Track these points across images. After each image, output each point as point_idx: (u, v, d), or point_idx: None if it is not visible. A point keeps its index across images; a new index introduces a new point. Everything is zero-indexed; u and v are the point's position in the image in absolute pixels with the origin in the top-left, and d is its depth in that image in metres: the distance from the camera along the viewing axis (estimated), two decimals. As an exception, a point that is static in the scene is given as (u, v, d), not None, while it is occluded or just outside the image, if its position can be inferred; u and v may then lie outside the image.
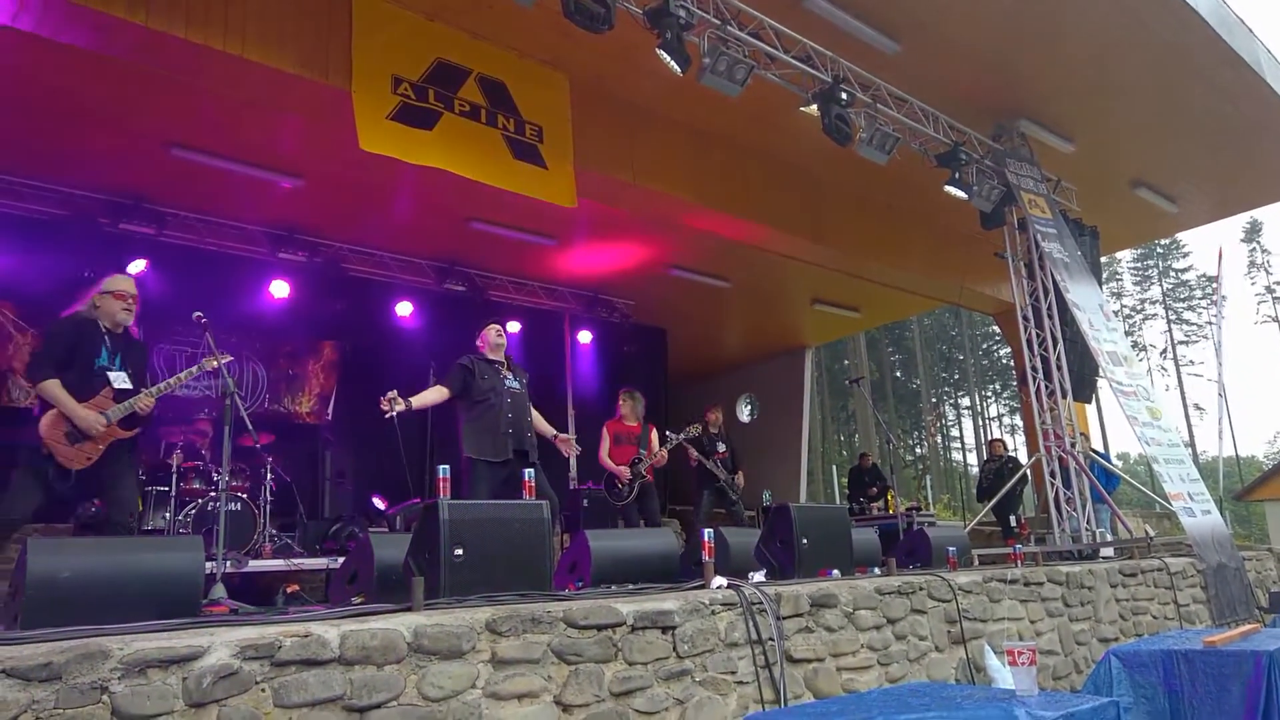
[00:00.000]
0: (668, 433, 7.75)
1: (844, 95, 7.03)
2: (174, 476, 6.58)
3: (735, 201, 8.87)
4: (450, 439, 5.61)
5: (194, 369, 4.70)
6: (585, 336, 11.65)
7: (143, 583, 2.83)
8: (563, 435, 5.84)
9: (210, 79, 6.01)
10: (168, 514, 6.52)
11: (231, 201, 8.40)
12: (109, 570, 2.82)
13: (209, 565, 3.62)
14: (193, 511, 6.58)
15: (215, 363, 4.76)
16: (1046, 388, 8.87)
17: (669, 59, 5.99)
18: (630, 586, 4.09)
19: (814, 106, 7.03)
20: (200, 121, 6.99)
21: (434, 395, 5.26)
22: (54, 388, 4.19)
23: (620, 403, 7.67)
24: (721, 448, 8.36)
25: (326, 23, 6.04)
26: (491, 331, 5.52)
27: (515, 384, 5.46)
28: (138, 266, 8.09)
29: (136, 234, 8.24)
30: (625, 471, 7.28)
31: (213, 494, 6.51)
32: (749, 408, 15.73)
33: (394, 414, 4.82)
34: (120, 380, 4.37)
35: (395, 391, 4.88)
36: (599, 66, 7.18)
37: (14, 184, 7.71)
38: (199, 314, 4.64)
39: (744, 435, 13.19)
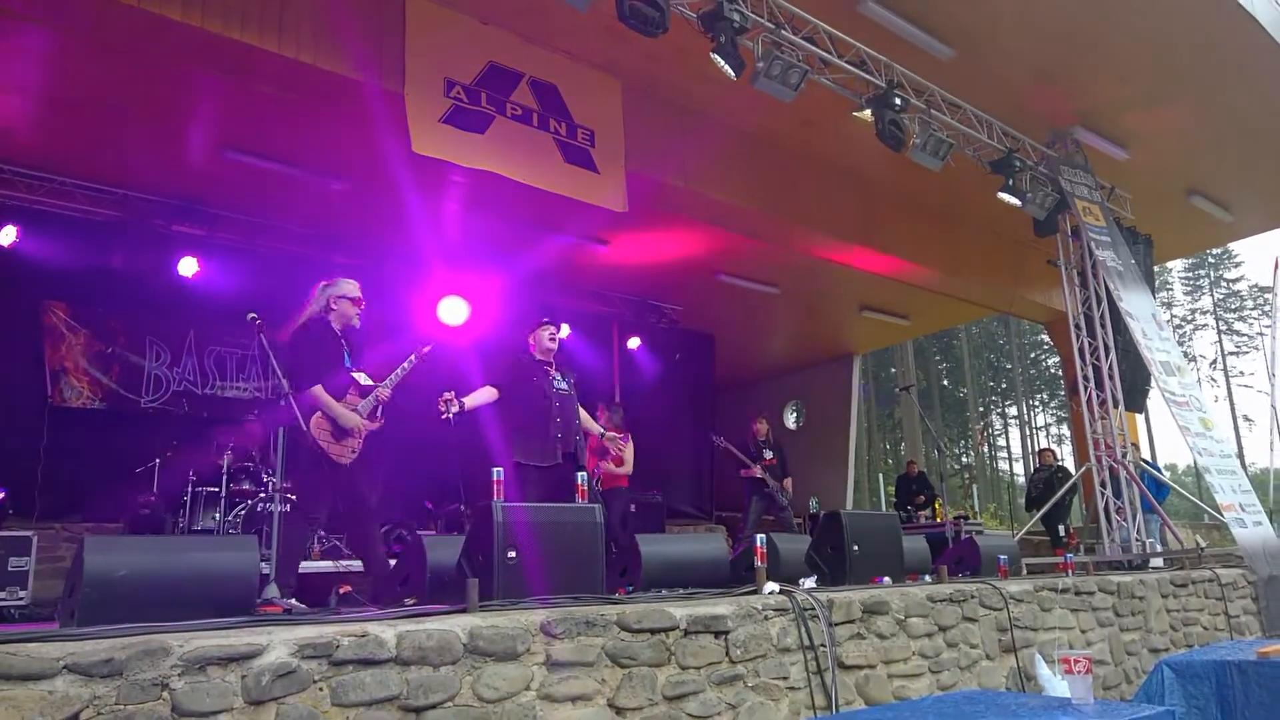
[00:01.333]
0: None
1: (898, 100, 6.95)
2: (224, 477, 6.65)
3: (787, 207, 8.81)
4: (500, 441, 5.59)
5: (413, 357, 4.86)
6: (634, 342, 11.63)
7: (198, 581, 2.84)
8: (609, 433, 5.81)
9: (264, 81, 6.10)
10: (217, 514, 6.59)
11: (284, 203, 8.52)
12: (165, 569, 2.82)
13: (261, 565, 3.63)
14: (243, 512, 6.64)
15: (426, 349, 4.94)
16: (1098, 397, 8.72)
17: (723, 63, 5.96)
18: (681, 591, 4.05)
19: (867, 112, 6.96)
20: (253, 123, 7.10)
21: (486, 395, 5.23)
22: (320, 393, 4.47)
23: (600, 413, 7.53)
24: (769, 455, 8.34)
25: (379, 25, 6.10)
26: (544, 334, 5.44)
27: (563, 385, 5.42)
28: (190, 267, 8.22)
29: (189, 235, 8.38)
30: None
31: (262, 495, 6.58)
32: (795, 415, 15.62)
33: (450, 415, 4.82)
34: (363, 378, 4.67)
35: (452, 392, 4.89)
36: (651, 70, 7.17)
37: (66, 185, 7.86)
38: (253, 315, 4.68)
39: (791, 442, 13.08)
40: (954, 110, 7.80)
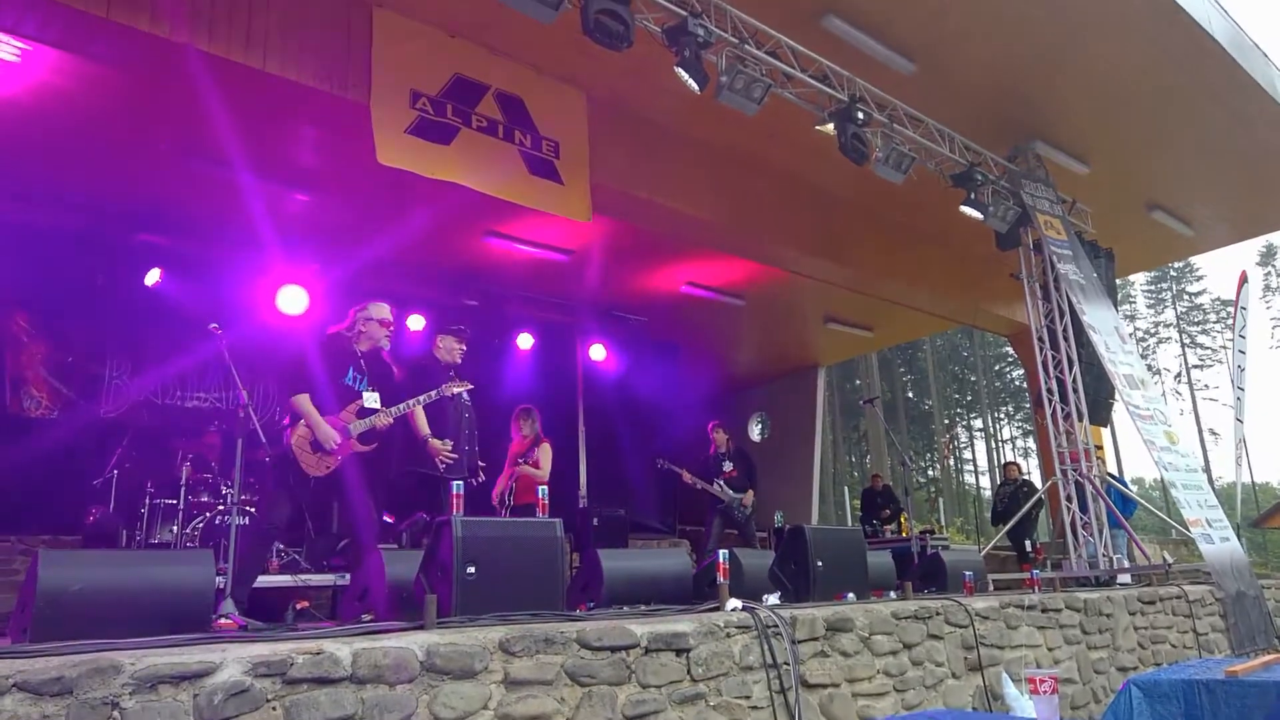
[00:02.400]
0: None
1: (860, 114, 7.03)
2: (182, 489, 6.54)
3: (751, 218, 8.86)
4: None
5: (433, 393, 4.90)
6: (598, 352, 11.61)
7: (153, 596, 2.81)
8: (434, 441, 5.55)
9: (229, 91, 6.04)
10: (175, 527, 6.48)
11: (247, 213, 8.40)
12: (119, 584, 2.80)
13: (218, 580, 3.59)
14: (200, 525, 6.54)
15: (458, 388, 5.05)
16: (1062, 410, 8.77)
17: (687, 77, 6.00)
18: (643, 607, 4.03)
19: (830, 125, 7.02)
20: (218, 133, 7.01)
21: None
22: (303, 401, 4.46)
23: (514, 421, 7.48)
24: (728, 467, 8.22)
25: (346, 36, 6.07)
26: (452, 341, 5.51)
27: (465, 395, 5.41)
28: (154, 277, 8.09)
29: (152, 245, 8.24)
30: (496, 495, 7.14)
31: (221, 507, 6.48)
32: (760, 426, 15.66)
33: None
34: (371, 400, 4.65)
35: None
36: (617, 83, 7.21)
37: (31, 194, 7.69)
38: (215, 325, 4.65)
39: (756, 455, 13.13)
40: (916, 124, 7.90)
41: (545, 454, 7.25)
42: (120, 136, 6.97)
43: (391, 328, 4.84)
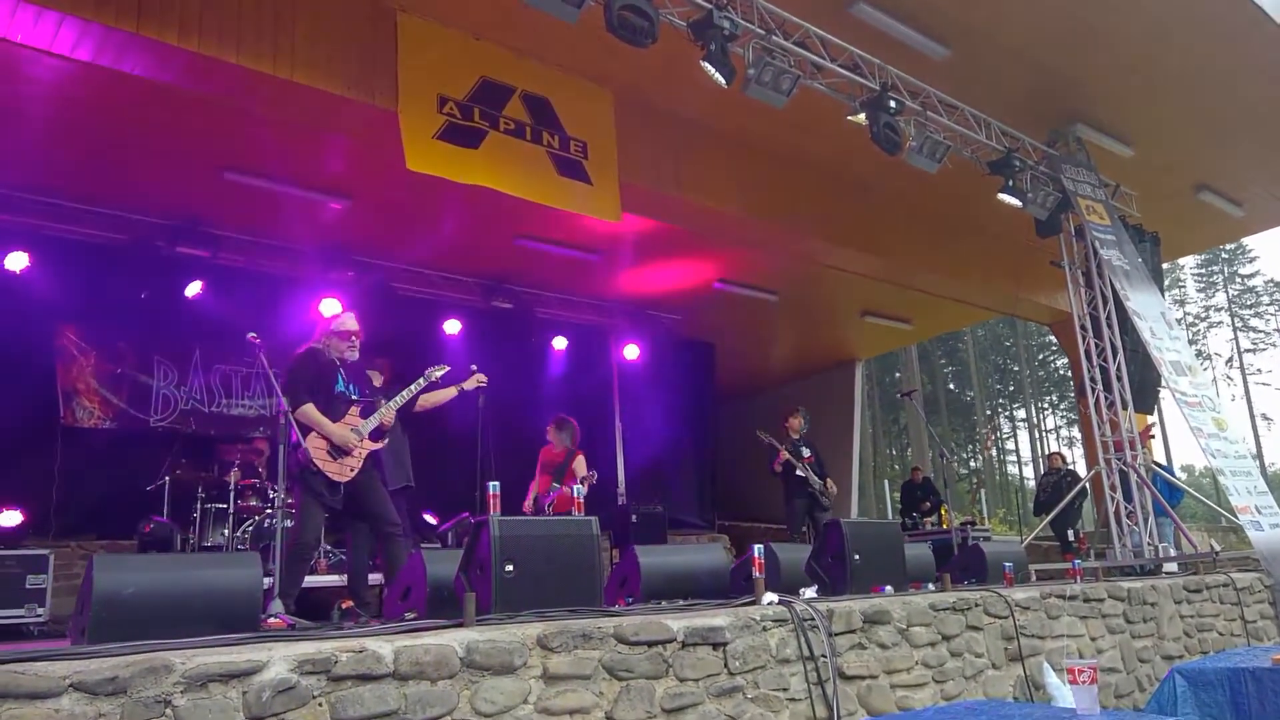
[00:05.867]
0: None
1: (892, 103, 6.96)
2: (231, 494, 6.71)
3: (782, 213, 8.81)
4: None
5: (421, 380, 5.05)
6: (632, 351, 11.63)
7: (204, 598, 2.89)
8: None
9: (261, 102, 6.17)
10: (225, 530, 6.65)
11: (283, 222, 8.58)
12: (171, 586, 2.87)
13: (266, 581, 3.68)
14: (250, 528, 6.70)
15: (438, 372, 5.14)
16: (1106, 399, 8.64)
17: (713, 71, 5.98)
18: (680, 602, 4.05)
19: (862, 115, 6.96)
20: (251, 144, 7.17)
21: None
22: (310, 411, 4.61)
23: (549, 429, 7.48)
24: (807, 453, 7.88)
25: (373, 44, 6.15)
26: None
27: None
28: (194, 288, 8.30)
29: (192, 257, 8.45)
30: (527, 506, 7.18)
31: (269, 511, 6.63)
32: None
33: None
34: (359, 399, 4.80)
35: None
36: (643, 80, 7.21)
37: (76, 210, 7.93)
38: (253, 335, 4.77)
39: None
40: (950, 111, 7.80)
41: (580, 467, 7.30)
42: (158, 149, 7.15)
43: (357, 338, 4.94)
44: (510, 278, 10.49)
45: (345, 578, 5.13)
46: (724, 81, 6.03)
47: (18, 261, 7.51)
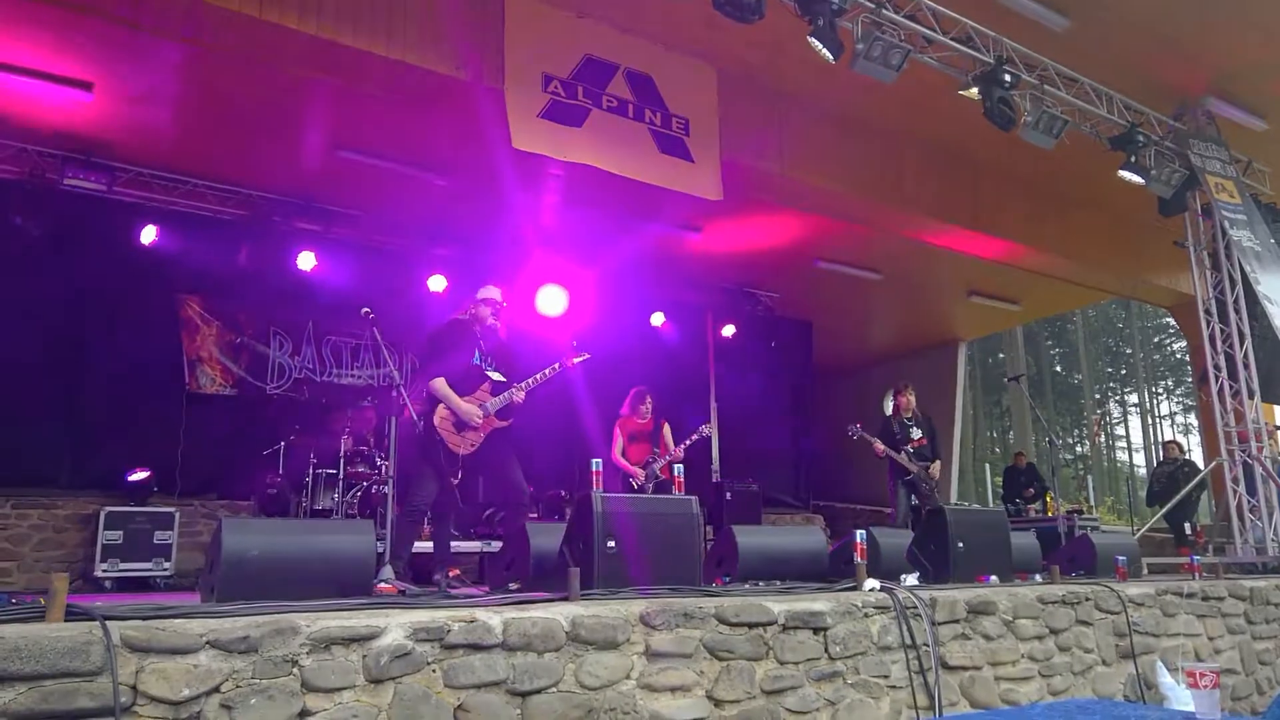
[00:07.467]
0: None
1: (1007, 77, 6.68)
2: (341, 460, 6.98)
3: (889, 191, 8.59)
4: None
5: (556, 365, 5.13)
6: (729, 330, 11.57)
7: (321, 562, 3.03)
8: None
9: (373, 83, 6.34)
10: (335, 495, 6.94)
11: (391, 198, 8.84)
12: (291, 550, 3.03)
13: (378, 545, 3.84)
14: (358, 494, 6.98)
15: (579, 359, 5.25)
16: (1231, 387, 8.22)
17: (821, 47, 5.84)
18: (778, 584, 4.05)
19: (974, 90, 6.71)
20: (363, 123, 7.39)
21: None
22: (440, 385, 4.76)
23: (629, 400, 7.26)
24: (917, 434, 7.53)
25: (479, 24, 6.24)
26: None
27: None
28: (308, 262, 8.62)
29: (306, 231, 8.80)
30: (639, 472, 6.94)
31: (377, 477, 6.88)
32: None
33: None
34: (498, 377, 4.94)
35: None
36: (747, 56, 7.11)
37: (198, 186, 8.39)
38: (367, 310, 4.92)
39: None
40: (1069, 85, 7.44)
41: (669, 436, 7.26)
42: (277, 128, 7.44)
43: (499, 307, 5.05)
44: (607, 253, 10.49)
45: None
46: (831, 58, 5.90)
47: (148, 235, 7.96)
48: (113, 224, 7.94)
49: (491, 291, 5.09)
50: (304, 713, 2.27)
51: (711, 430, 7.36)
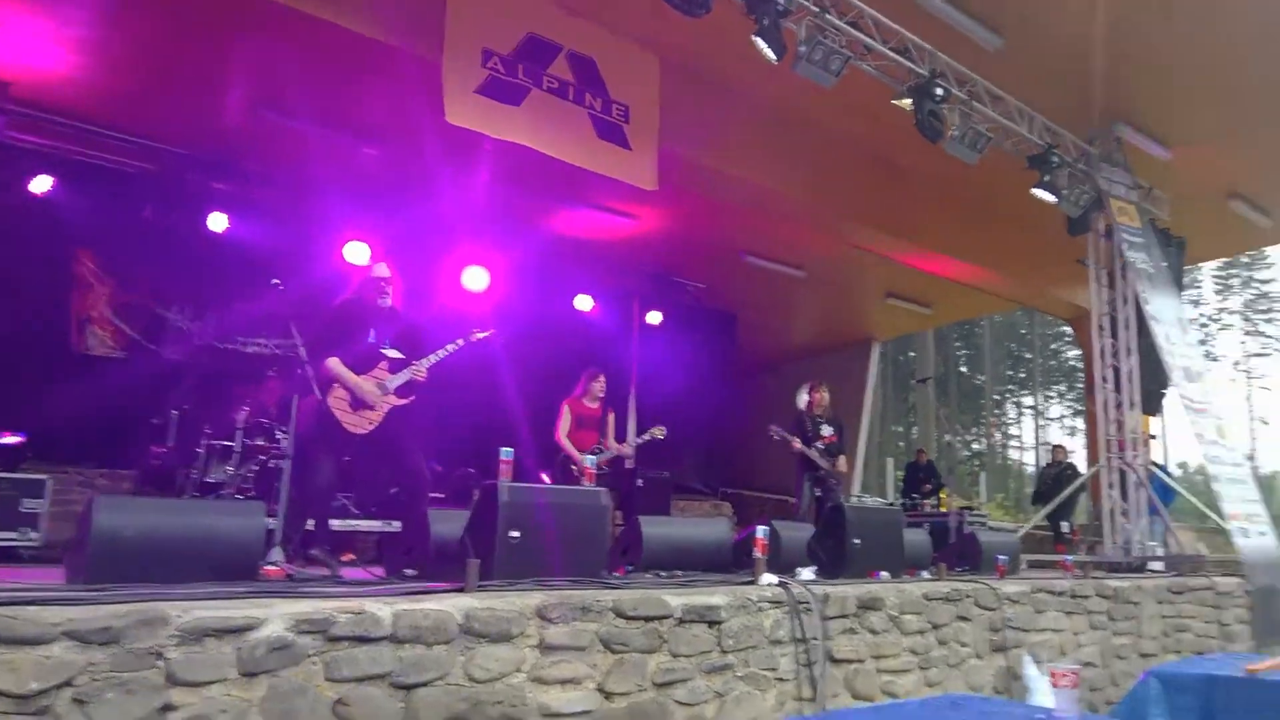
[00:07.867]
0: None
1: (939, 90, 6.84)
2: (239, 432, 6.69)
3: (818, 190, 8.72)
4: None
5: (460, 341, 5.02)
6: (655, 317, 11.57)
7: (204, 545, 2.89)
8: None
9: (304, 43, 6.07)
10: (229, 468, 6.65)
11: (314, 164, 8.49)
12: (170, 531, 2.88)
13: (270, 521, 3.68)
14: (255, 468, 6.70)
15: (480, 335, 5.14)
16: (1115, 398, 8.69)
17: (764, 47, 5.86)
18: (680, 574, 4.09)
19: (907, 100, 6.84)
20: (289, 85, 7.07)
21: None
22: (335, 364, 4.64)
23: (583, 380, 7.04)
24: (828, 431, 7.65)
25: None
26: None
27: None
28: (219, 223, 8.20)
29: (219, 191, 8.34)
30: (585, 462, 6.50)
31: (276, 450, 6.64)
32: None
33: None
34: (395, 355, 4.82)
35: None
36: (691, 48, 7.05)
37: (102, 135, 7.83)
38: (276, 281, 4.72)
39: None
40: (996, 102, 7.67)
41: (612, 426, 7.10)
42: (191, 82, 7.06)
43: (388, 284, 4.91)
44: (541, 233, 10.34)
45: (346, 524, 5.11)
46: (774, 58, 5.92)
47: (41, 184, 7.46)
48: (1, 170, 7.35)
49: (381, 269, 4.95)
50: (167, 707, 2.16)
51: (663, 432, 7.27)
